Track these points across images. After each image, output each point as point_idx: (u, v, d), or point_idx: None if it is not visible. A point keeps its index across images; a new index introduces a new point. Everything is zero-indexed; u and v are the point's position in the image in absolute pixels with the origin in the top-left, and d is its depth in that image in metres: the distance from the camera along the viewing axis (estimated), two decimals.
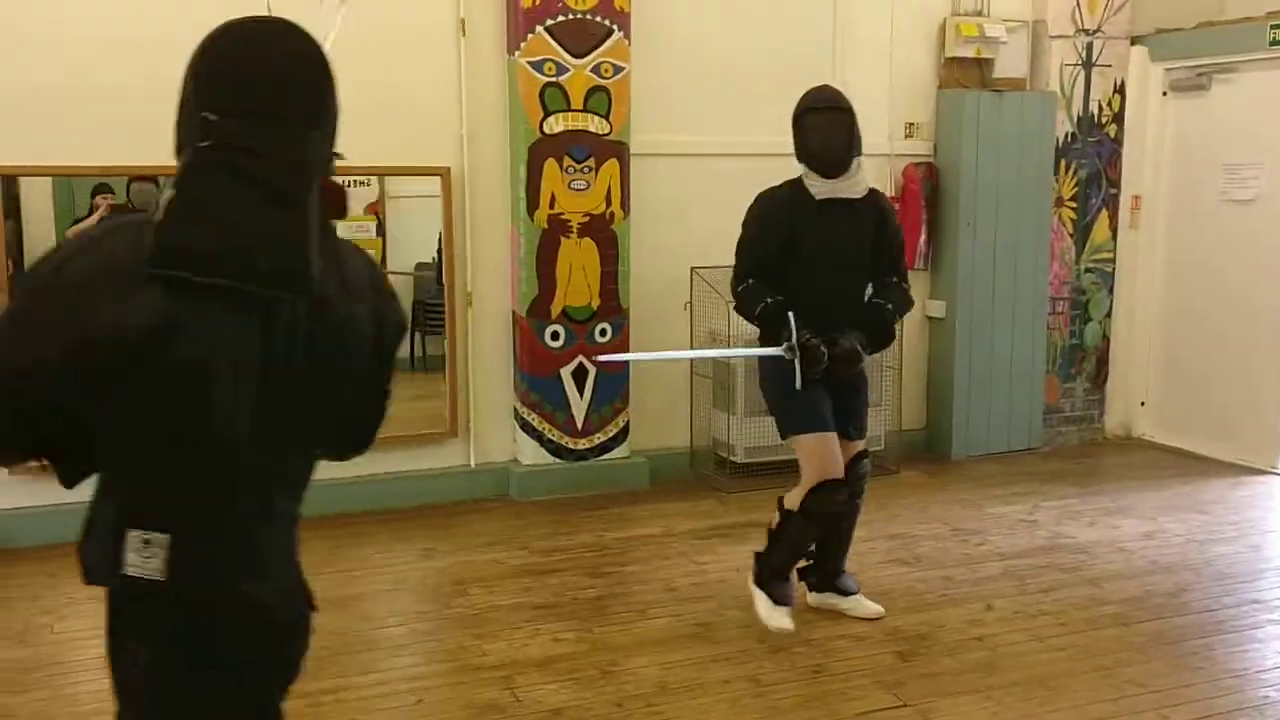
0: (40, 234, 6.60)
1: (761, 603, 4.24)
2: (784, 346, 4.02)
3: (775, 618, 4.19)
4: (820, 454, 4.10)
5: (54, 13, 5.20)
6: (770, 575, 4.25)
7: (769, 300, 4.10)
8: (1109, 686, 3.86)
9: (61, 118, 5.19)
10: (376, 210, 7.81)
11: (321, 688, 3.83)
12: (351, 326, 1.84)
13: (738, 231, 6.66)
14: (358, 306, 1.85)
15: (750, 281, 4.19)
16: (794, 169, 6.62)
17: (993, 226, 6.77)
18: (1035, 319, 7.02)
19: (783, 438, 4.30)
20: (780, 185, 4.23)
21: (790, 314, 3.99)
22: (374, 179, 7.35)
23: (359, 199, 7.78)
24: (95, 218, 6.68)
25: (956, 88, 6.79)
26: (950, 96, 6.77)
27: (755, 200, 4.30)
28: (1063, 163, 7.05)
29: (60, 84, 5.17)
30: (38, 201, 6.50)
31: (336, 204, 1.83)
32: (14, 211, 6.40)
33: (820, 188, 4.09)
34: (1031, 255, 6.94)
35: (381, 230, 7.83)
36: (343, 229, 6.75)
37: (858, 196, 4.12)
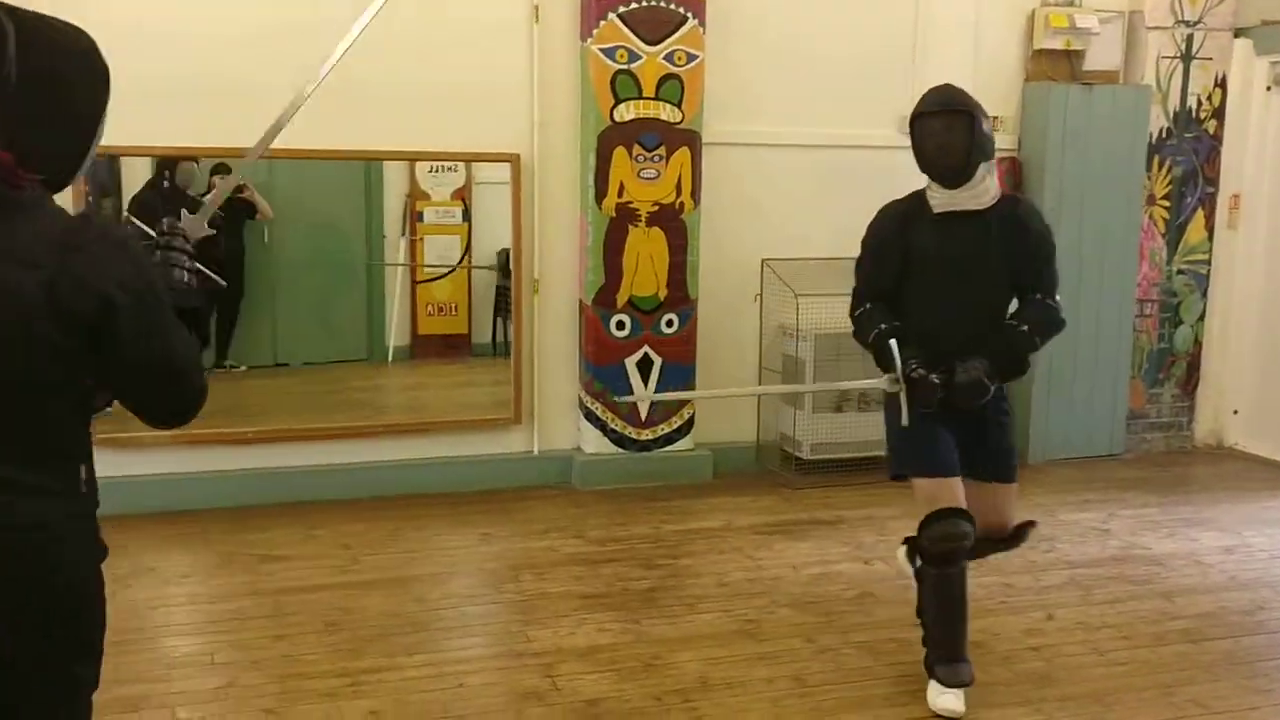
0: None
1: (930, 687, 3.66)
2: (887, 378, 3.64)
3: (941, 700, 3.61)
4: (933, 499, 3.61)
5: (160, 5, 5.33)
6: (935, 658, 3.66)
7: (881, 327, 3.68)
8: (1168, 706, 3.70)
9: (161, 101, 5.28)
10: (463, 196, 7.90)
11: (364, 667, 3.86)
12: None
13: (811, 223, 6.61)
14: (21, 274, 1.82)
15: (866, 306, 3.76)
16: (875, 162, 6.55)
17: (1078, 225, 6.54)
18: (1121, 321, 6.78)
19: (891, 477, 3.92)
20: (902, 198, 3.81)
21: (893, 342, 3.61)
22: (461, 165, 7.44)
23: (447, 185, 7.88)
24: (209, 197, 6.88)
25: (1044, 80, 6.58)
26: (1037, 89, 6.56)
27: (875, 215, 3.87)
28: (1156, 159, 6.79)
29: (163, 71, 5.26)
30: (138, 181, 6.72)
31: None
32: (115, 189, 6.64)
33: (939, 199, 3.64)
34: (1119, 255, 6.70)
35: (468, 216, 7.92)
36: (430, 213, 6.85)
37: (983, 207, 3.62)
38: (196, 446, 5.63)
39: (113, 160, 6.12)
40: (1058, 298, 3.73)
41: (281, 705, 3.59)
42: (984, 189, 3.62)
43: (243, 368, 7.49)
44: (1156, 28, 6.66)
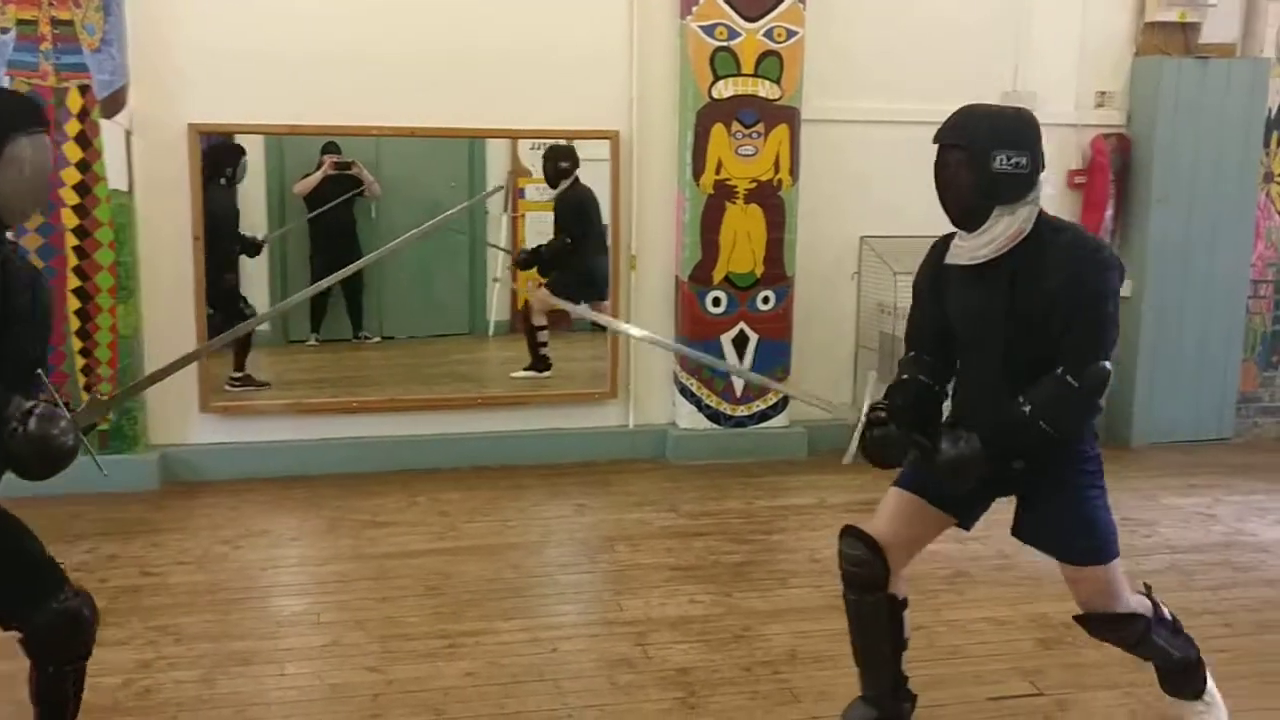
0: (253, 190, 7.08)
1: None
2: (851, 406, 3.21)
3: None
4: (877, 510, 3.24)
5: None
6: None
7: (903, 377, 3.18)
8: (1270, 694, 3.64)
9: (274, 79, 5.49)
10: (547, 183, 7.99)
11: (463, 630, 4.00)
12: None
13: (911, 200, 6.49)
14: None
15: (911, 353, 3.25)
16: None
17: (1188, 203, 6.38)
18: (1233, 302, 6.60)
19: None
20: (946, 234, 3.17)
21: (872, 374, 3.29)
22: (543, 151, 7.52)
23: None
24: (319, 174, 7.13)
25: (1156, 54, 6.41)
26: (1148, 64, 6.39)
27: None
28: (1275, 135, 6.58)
29: (278, 49, 5.47)
30: (251, 159, 6.96)
31: None
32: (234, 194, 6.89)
33: (956, 245, 3.05)
34: (1232, 234, 6.51)
35: None
36: (533, 190, 6.96)
37: (991, 256, 2.92)
38: (308, 415, 5.85)
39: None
40: (1098, 366, 2.86)
41: (383, 664, 3.74)
42: (991, 236, 2.91)
43: (375, 338, 7.76)
44: None
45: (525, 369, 6.85)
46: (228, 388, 6.23)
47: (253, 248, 7.06)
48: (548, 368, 6.87)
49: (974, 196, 2.90)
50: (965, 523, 3.22)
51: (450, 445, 5.94)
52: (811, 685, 3.65)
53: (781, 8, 5.77)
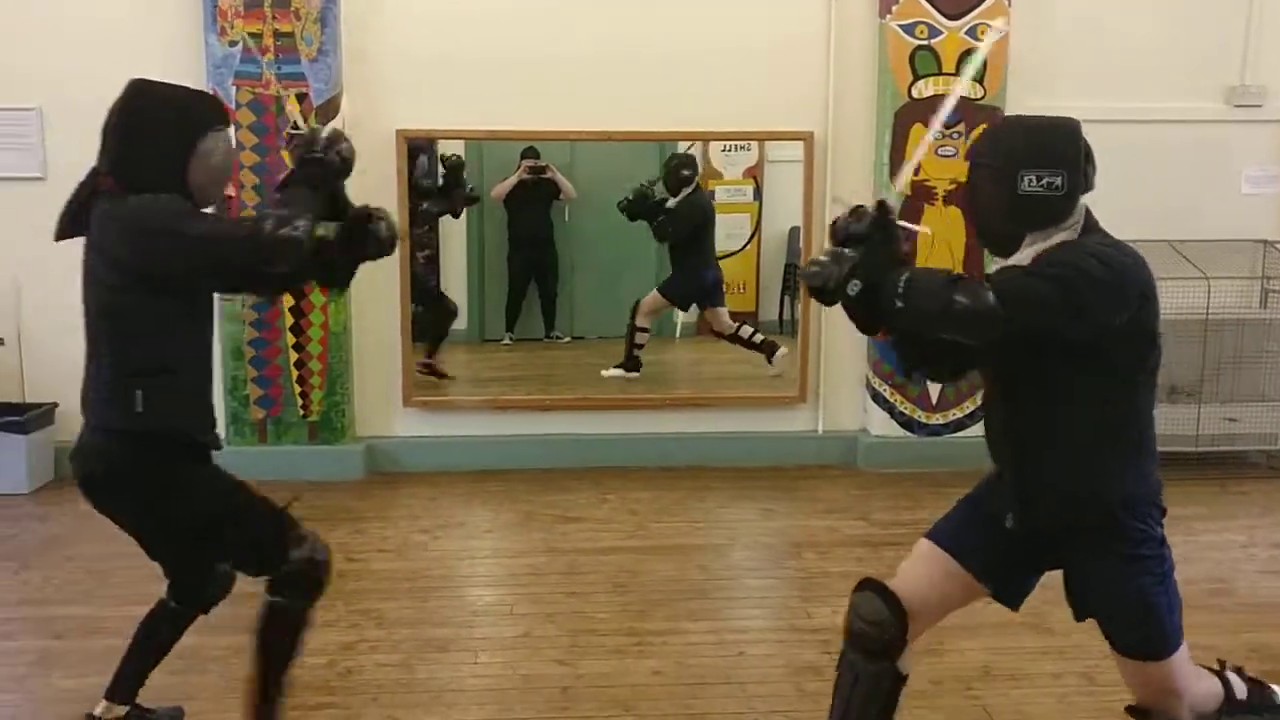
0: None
1: None
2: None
3: None
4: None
5: None
6: None
7: None
8: None
9: (473, 86, 5.67)
10: (755, 174, 8.00)
11: (649, 628, 4.03)
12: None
13: (1126, 202, 6.24)
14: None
15: None
16: (1199, 136, 6.12)
17: None
18: None
19: None
20: None
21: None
22: (754, 144, 7.53)
23: (740, 163, 8.00)
24: (515, 177, 7.41)
25: None
26: None
27: None
28: None
29: (477, 56, 5.66)
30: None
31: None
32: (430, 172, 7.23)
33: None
34: None
35: (759, 194, 8.01)
36: (723, 191, 7.05)
37: None
38: (504, 412, 6.02)
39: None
40: (984, 292, 2.33)
41: (572, 657, 3.81)
42: (1017, 263, 2.53)
43: (566, 338, 7.95)
44: None
45: (616, 366, 6.91)
46: (417, 372, 6.46)
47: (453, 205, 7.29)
48: (638, 369, 6.94)
49: (999, 221, 2.57)
50: (1009, 600, 2.82)
51: (639, 445, 6.00)
52: (1005, 703, 3.54)
53: (985, 4, 5.61)
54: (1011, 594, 2.81)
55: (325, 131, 2.87)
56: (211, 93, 5.05)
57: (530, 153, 7.50)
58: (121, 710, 3.10)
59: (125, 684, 3.09)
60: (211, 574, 3.05)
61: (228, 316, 5.60)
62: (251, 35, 5.38)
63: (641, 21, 5.70)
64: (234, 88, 5.44)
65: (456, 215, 7.50)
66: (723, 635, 4.01)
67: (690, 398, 6.41)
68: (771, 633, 4.09)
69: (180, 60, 5.45)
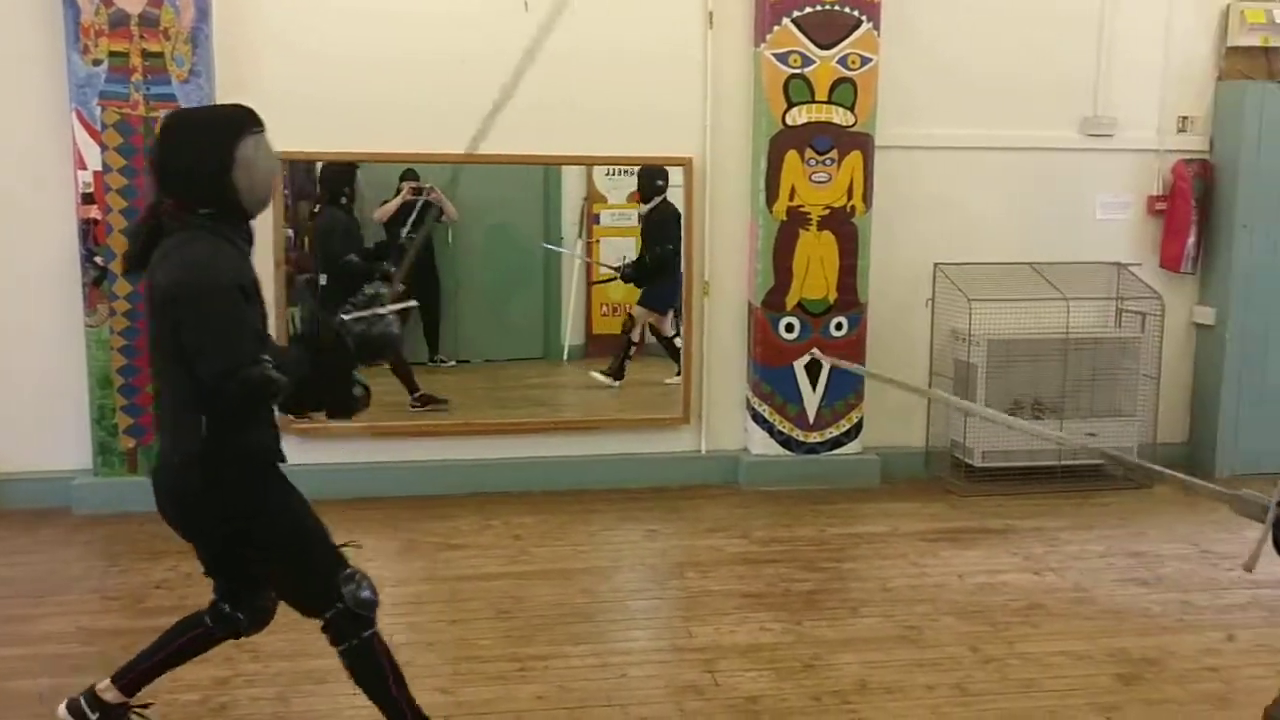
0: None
1: None
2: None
3: None
4: None
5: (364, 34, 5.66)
6: None
7: None
8: None
9: (353, 108, 5.61)
10: (639, 199, 8.06)
11: (532, 653, 4.02)
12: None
13: (986, 227, 6.54)
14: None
15: None
16: (1056, 164, 6.40)
17: (1273, 230, 6.24)
18: None
19: None
20: None
21: None
22: (637, 169, 7.59)
23: (624, 188, 8.06)
24: (398, 200, 7.32)
25: (1239, 79, 6.29)
26: (1231, 88, 6.28)
27: None
28: None
29: (357, 77, 5.60)
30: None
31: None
32: (311, 192, 7.11)
33: None
34: None
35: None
36: (608, 215, 7.10)
37: None
38: (384, 438, 5.94)
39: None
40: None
41: (454, 685, 3.78)
42: None
43: (451, 362, 7.88)
44: None
45: (603, 372, 6.96)
46: (410, 408, 6.54)
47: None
48: (620, 378, 7.03)
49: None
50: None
51: (524, 469, 6.00)
52: (882, 716, 3.62)
53: (856, 35, 5.77)
54: None
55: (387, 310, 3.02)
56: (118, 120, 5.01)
57: (410, 174, 7.44)
58: (119, 698, 3.26)
59: (135, 678, 3.27)
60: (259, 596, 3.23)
61: (95, 343, 5.44)
62: (115, 54, 5.25)
63: (522, 47, 5.70)
64: (99, 108, 5.30)
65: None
66: (605, 657, 4.03)
67: (574, 421, 6.43)
68: (654, 653, 4.12)
69: (39, 78, 5.30)
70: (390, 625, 4.27)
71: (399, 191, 7.46)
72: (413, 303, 3.24)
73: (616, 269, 7.55)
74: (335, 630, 3.06)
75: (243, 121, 2.94)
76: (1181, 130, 6.36)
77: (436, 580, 4.75)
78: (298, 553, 3.03)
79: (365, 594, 3.06)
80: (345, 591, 3.02)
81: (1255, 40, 6.24)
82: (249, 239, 3.01)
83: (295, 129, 5.46)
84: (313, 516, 3.08)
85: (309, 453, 5.80)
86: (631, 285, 7.55)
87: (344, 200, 6.66)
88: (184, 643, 3.29)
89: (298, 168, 6.43)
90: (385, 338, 3.00)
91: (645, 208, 7.07)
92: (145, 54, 5.33)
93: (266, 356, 2.81)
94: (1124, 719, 3.60)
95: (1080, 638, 4.20)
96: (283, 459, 3.08)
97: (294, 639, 4.12)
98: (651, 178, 6.87)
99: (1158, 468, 3.32)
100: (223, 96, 5.43)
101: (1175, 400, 6.52)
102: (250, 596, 3.22)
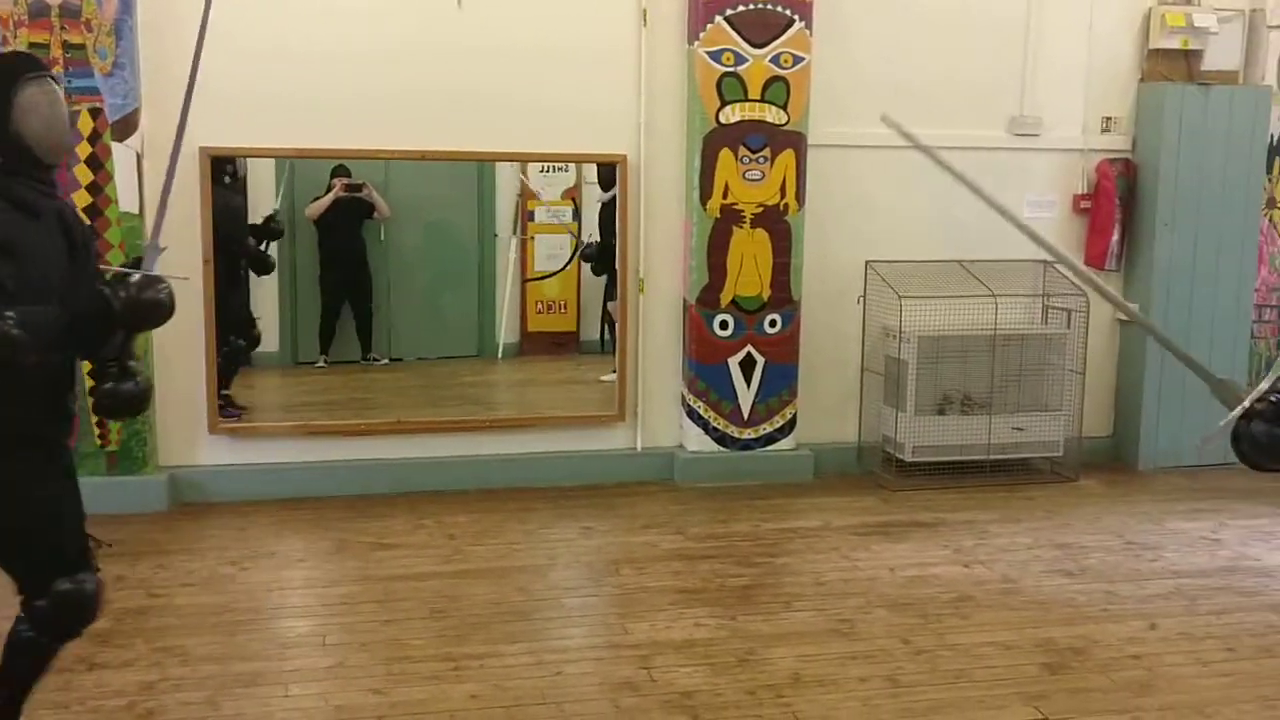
0: (263, 205, 7.22)
1: None
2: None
3: None
4: None
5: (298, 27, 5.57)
6: None
7: None
8: (1272, 719, 3.62)
9: (284, 103, 5.54)
10: (574, 196, 8.08)
11: (467, 653, 4.00)
12: None
13: (916, 225, 6.63)
14: None
15: None
16: (983, 163, 6.46)
17: (1194, 228, 6.41)
18: (1238, 327, 6.60)
19: None
20: None
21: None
22: (572, 166, 7.60)
23: (558, 185, 8.07)
24: (330, 197, 7.24)
25: (1160, 81, 6.45)
26: (1152, 90, 6.43)
27: None
28: (1277, 162, 6.61)
29: (288, 72, 5.52)
30: (263, 177, 7.10)
31: None
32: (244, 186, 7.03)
33: None
34: (1236, 260, 6.53)
35: (578, 214, 8.09)
36: (542, 212, 7.16)
37: None
38: (316, 437, 5.87)
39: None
40: None
41: (388, 685, 3.75)
42: None
43: (384, 360, 7.80)
44: (1278, 27, 6.47)
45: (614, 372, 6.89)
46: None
47: (261, 265, 7.13)
48: None
49: None
50: None
51: (458, 468, 5.96)
52: (815, 709, 3.65)
53: (788, 34, 5.82)
54: None
55: (138, 276, 2.84)
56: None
57: (342, 171, 7.36)
58: None
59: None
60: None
61: None
62: (35, 45, 5.12)
63: (457, 43, 5.68)
64: None
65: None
66: (541, 655, 4.02)
67: (510, 419, 6.41)
68: (589, 650, 4.13)
69: None
70: (323, 626, 4.26)
71: (331, 188, 7.39)
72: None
73: (588, 246, 7.51)
74: (31, 617, 2.92)
75: (19, 68, 2.90)
76: (1105, 130, 6.51)
77: (369, 580, 4.71)
78: (12, 539, 2.88)
79: (69, 616, 2.93)
80: (56, 592, 2.88)
81: (1176, 43, 6.40)
82: (51, 186, 2.96)
83: (224, 124, 5.42)
84: (48, 514, 2.90)
85: (238, 453, 5.74)
86: (571, 280, 7.56)
87: (227, 180, 6.46)
88: (18, 661, 3.02)
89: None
90: (156, 304, 2.83)
91: (605, 196, 7.03)
92: (66, 45, 5.21)
93: (10, 312, 2.59)
94: (1050, 707, 3.67)
95: (1008, 628, 4.27)
96: (39, 442, 2.89)
97: (222, 641, 4.08)
98: (611, 167, 6.86)
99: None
100: (148, 90, 5.34)
101: (1100, 395, 6.67)
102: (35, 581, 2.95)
